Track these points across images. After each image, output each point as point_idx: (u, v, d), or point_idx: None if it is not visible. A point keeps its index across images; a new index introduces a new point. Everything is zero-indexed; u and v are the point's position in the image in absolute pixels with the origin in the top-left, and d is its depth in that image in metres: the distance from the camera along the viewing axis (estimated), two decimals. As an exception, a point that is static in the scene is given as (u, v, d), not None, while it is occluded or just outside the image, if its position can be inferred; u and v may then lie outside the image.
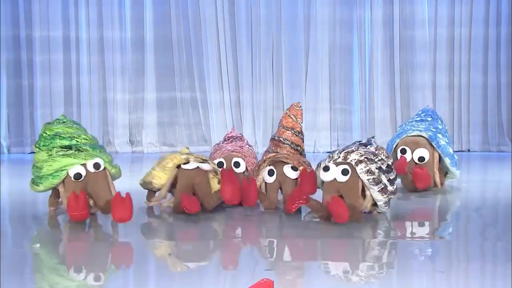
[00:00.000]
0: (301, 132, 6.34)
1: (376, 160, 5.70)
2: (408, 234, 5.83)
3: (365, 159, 5.66)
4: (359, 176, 5.64)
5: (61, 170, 5.62)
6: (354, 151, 5.71)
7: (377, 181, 5.65)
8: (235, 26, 10.33)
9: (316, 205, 5.63)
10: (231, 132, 7.10)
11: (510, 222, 6.02)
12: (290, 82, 10.44)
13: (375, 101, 10.46)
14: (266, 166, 6.09)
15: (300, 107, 6.42)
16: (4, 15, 10.14)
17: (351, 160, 5.65)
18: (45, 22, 10.25)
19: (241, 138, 6.98)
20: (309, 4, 10.28)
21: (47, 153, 5.68)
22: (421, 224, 6.20)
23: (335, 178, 5.67)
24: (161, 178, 5.90)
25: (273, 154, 6.17)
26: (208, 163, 5.98)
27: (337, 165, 5.68)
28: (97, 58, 10.35)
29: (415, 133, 7.09)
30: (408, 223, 6.14)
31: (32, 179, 5.82)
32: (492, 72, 10.37)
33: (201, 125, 10.40)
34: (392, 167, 5.90)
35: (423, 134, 7.07)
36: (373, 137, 6.09)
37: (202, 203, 5.81)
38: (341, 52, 10.41)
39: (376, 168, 5.66)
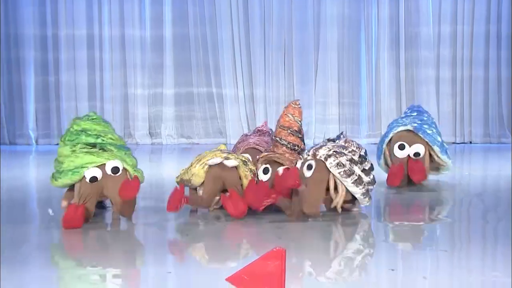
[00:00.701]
0: (299, 131, 5.87)
1: (346, 152, 5.40)
2: (411, 219, 5.83)
3: (334, 153, 5.35)
4: (329, 171, 5.32)
5: (82, 167, 5.21)
6: (322, 146, 5.44)
7: (349, 173, 5.34)
8: (248, 25, 10.44)
9: (285, 203, 5.37)
10: (262, 126, 6.85)
11: (511, 206, 6.10)
12: (301, 78, 10.54)
13: (382, 95, 10.54)
14: (262, 164, 5.73)
15: (299, 105, 6.00)
16: (32, 15, 10.32)
17: (320, 156, 5.34)
18: (70, 21, 10.39)
19: (269, 133, 6.63)
20: (319, 3, 10.39)
21: (70, 148, 5.29)
22: (423, 209, 6.25)
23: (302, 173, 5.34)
24: (200, 177, 5.48)
25: (266, 153, 5.80)
26: (234, 159, 5.56)
27: (303, 163, 5.39)
28: (119, 55, 10.49)
29: (400, 128, 6.87)
30: (410, 209, 6.19)
31: (52, 173, 5.45)
32: (493, 67, 10.44)
33: (216, 119, 10.52)
34: (366, 157, 5.55)
35: (409, 127, 6.84)
36: (341, 133, 5.79)
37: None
38: (349, 48, 10.50)
39: (347, 160, 5.35)
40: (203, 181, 5.48)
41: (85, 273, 4.15)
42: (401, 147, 6.77)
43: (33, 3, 10.29)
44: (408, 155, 6.75)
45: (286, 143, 5.75)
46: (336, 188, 5.36)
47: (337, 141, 5.50)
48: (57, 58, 10.42)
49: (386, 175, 6.74)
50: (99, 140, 5.32)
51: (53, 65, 10.44)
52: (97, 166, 5.20)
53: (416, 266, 4.56)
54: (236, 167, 5.51)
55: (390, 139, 6.87)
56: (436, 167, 6.97)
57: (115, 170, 5.20)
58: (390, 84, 10.52)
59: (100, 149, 5.28)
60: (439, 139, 6.92)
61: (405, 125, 6.86)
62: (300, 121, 5.85)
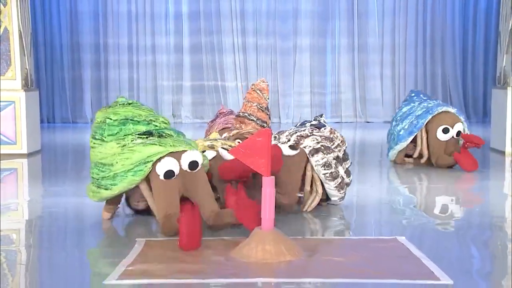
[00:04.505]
0: (267, 108, 4.62)
1: (333, 147, 3.87)
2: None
3: (322, 148, 3.78)
4: (312, 167, 3.80)
5: (145, 163, 3.26)
6: (309, 135, 3.86)
7: (335, 176, 3.81)
8: (245, 35, 10.79)
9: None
10: (221, 109, 6.03)
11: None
12: (283, 73, 10.89)
13: (342, 87, 10.95)
14: (233, 141, 4.17)
15: (266, 82, 4.77)
16: (89, 28, 10.67)
17: (305, 147, 3.79)
18: (116, 33, 10.74)
19: (231, 112, 5.75)
20: (296, 18, 10.75)
21: (117, 143, 3.36)
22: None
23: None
24: None
25: (237, 131, 4.36)
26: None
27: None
28: (151, 57, 10.82)
29: (444, 108, 5.74)
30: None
31: (94, 184, 3.51)
32: (420, 66, 10.90)
33: (221, 104, 10.51)
34: (347, 153, 4.05)
35: (450, 109, 5.77)
36: (321, 116, 4.29)
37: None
38: (319, 53, 10.87)
39: (334, 159, 3.83)
40: None
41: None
42: (445, 131, 5.63)
43: (89, 18, 10.62)
44: (452, 136, 5.66)
45: (255, 119, 4.52)
46: (311, 185, 3.89)
47: (322, 129, 4.00)
48: (106, 60, 10.74)
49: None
50: (151, 126, 3.43)
51: (103, 65, 10.74)
52: (170, 156, 3.27)
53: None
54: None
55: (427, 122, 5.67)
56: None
57: (193, 165, 3.30)
58: (347, 79, 10.90)
59: (158, 136, 3.40)
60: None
61: (446, 106, 5.81)
62: (267, 98, 4.64)
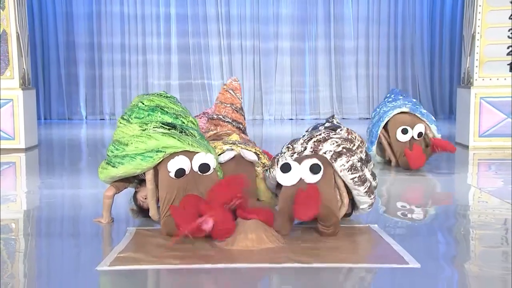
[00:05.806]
0: (241, 108, 4.08)
1: (354, 149, 3.12)
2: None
3: (344, 151, 3.01)
4: (336, 173, 2.99)
5: (158, 151, 2.97)
6: (327, 139, 3.07)
7: (363, 179, 3.04)
8: (230, 37, 10.78)
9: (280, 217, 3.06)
10: (207, 110, 5.12)
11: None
12: (265, 74, 10.91)
13: (320, 86, 10.98)
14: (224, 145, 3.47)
15: (238, 81, 4.20)
16: (83, 28, 10.59)
17: (326, 152, 3.01)
18: (109, 33, 10.67)
19: (208, 113, 4.86)
20: (277, 22, 10.79)
21: (140, 126, 3.10)
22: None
23: (301, 179, 2.95)
24: None
25: (214, 132, 3.87)
26: (256, 153, 3.37)
27: (301, 162, 2.98)
28: (142, 57, 10.76)
29: (396, 111, 5.12)
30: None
31: (105, 161, 3.21)
32: (392, 68, 10.99)
33: (208, 102, 10.82)
34: (369, 154, 3.33)
35: (403, 109, 5.14)
36: (332, 117, 3.63)
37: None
38: (298, 54, 10.90)
39: (358, 161, 3.07)
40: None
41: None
42: (404, 132, 5.05)
43: (84, 19, 10.55)
44: (413, 137, 5.09)
45: (230, 121, 3.99)
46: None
47: (338, 130, 3.28)
48: (100, 58, 10.66)
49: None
50: (178, 121, 3.14)
51: (97, 63, 10.66)
52: (184, 155, 2.95)
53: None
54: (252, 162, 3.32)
55: (386, 124, 5.16)
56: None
57: (204, 168, 2.94)
58: (325, 79, 10.93)
59: (180, 131, 3.06)
60: (432, 117, 5.32)
61: (399, 107, 5.14)
62: (240, 98, 4.11)
